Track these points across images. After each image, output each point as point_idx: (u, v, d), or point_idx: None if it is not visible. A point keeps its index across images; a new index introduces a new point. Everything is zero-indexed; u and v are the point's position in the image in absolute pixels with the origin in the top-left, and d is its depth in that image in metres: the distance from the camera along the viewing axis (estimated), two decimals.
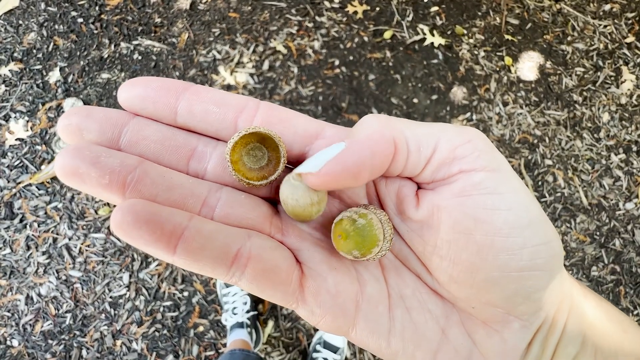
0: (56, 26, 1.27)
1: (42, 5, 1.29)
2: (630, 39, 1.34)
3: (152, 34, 1.28)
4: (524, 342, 0.16)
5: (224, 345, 1.02)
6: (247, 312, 0.97)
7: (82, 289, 1.05)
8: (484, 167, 0.15)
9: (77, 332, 1.03)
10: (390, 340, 0.16)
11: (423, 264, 0.18)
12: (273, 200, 0.18)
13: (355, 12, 1.31)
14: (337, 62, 1.26)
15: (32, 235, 1.08)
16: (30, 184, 1.12)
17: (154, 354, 1.01)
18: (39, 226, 1.09)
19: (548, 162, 1.21)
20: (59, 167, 0.14)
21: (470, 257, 0.15)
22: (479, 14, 1.35)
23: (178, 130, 0.17)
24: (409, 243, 0.17)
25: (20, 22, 1.27)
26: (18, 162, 1.14)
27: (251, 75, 1.24)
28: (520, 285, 0.15)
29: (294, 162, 0.18)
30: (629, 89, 1.28)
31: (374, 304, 0.16)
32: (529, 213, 0.15)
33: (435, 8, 1.34)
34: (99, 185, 0.14)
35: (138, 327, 1.03)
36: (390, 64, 1.27)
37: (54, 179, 1.13)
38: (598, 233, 1.16)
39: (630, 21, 1.37)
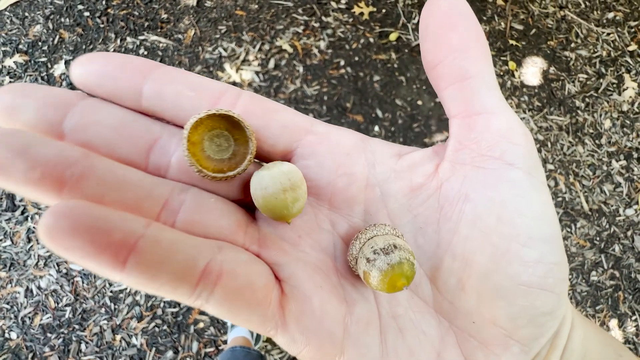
0: (62, 19, 1.27)
1: None
2: (633, 47, 1.36)
3: (159, 30, 1.28)
4: None
5: (224, 342, 1.02)
6: None
7: (83, 282, 1.05)
8: (523, 167, 0.14)
9: (77, 326, 1.02)
10: None
11: (426, 271, 0.16)
12: (250, 206, 0.16)
13: (362, 14, 1.32)
14: (342, 63, 1.27)
15: (34, 227, 1.08)
16: None
17: (154, 349, 1.01)
18: (40, 218, 1.09)
19: (550, 166, 1.21)
20: None
21: (483, 260, 0.14)
22: (484, 18, 1.36)
23: (140, 115, 0.14)
24: (419, 241, 0.16)
25: (27, 14, 1.27)
26: None
27: (257, 73, 1.24)
28: (528, 303, 0.14)
29: (277, 159, 0.16)
30: (630, 97, 1.30)
31: (363, 326, 0.14)
32: (552, 228, 0.14)
33: None
34: (26, 180, 0.11)
35: (138, 322, 1.03)
36: (396, 65, 1.28)
37: None
38: (598, 238, 1.16)
39: (633, 29, 1.38)
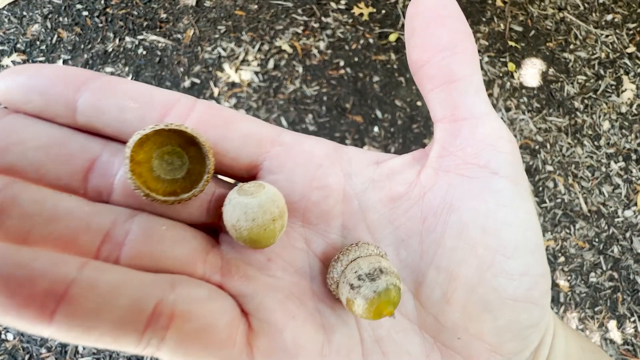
0: (60, 18, 1.27)
1: None
2: (631, 49, 1.36)
3: (158, 30, 1.27)
4: None
5: None
6: None
7: None
8: (509, 176, 0.14)
9: None
10: None
11: (409, 286, 0.15)
12: (212, 228, 0.14)
13: (361, 14, 1.32)
14: (342, 63, 1.27)
15: None
16: None
17: None
18: None
19: (549, 168, 1.22)
20: None
21: (469, 273, 0.13)
22: (484, 20, 1.36)
23: (76, 133, 0.12)
24: (401, 254, 0.15)
25: (25, 13, 1.27)
26: None
27: (256, 73, 1.24)
28: (514, 317, 0.13)
29: (243, 174, 0.14)
30: (629, 98, 1.30)
31: (344, 355, 0.13)
32: (537, 239, 0.14)
33: None
34: None
35: None
36: (395, 66, 1.28)
37: None
38: (597, 240, 1.17)
39: (631, 32, 1.39)
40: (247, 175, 0.14)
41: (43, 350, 0.99)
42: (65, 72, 0.12)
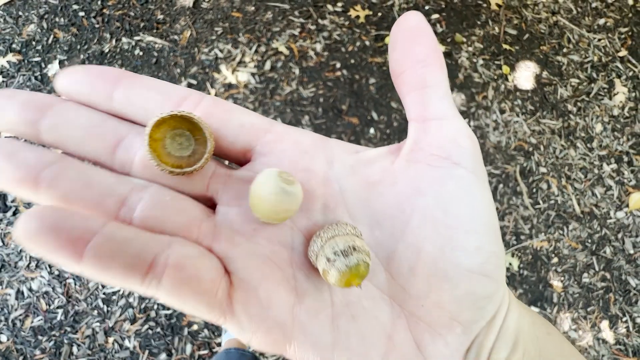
0: (57, 19, 1.26)
1: None
2: (623, 52, 1.38)
3: (154, 31, 1.27)
4: (464, 347, 0.16)
5: (218, 344, 1.02)
6: None
7: (75, 284, 1.04)
8: (468, 167, 0.16)
9: (68, 329, 1.01)
10: (335, 353, 0.15)
11: (381, 260, 0.17)
12: (210, 201, 0.17)
13: (358, 17, 1.33)
14: (338, 65, 1.28)
15: None
16: None
17: (147, 352, 1.00)
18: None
19: (542, 169, 1.23)
20: None
21: (432, 248, 0.16)
22: (478, 23, 1.38)
23: (110, 117, 0.16)
24: (375, 232, 0.17)
25: (20, 13, 1.26)
26: None
27: (253, 74, 1.25)
28: (470, 287, 0.15)
29: (239, 158, 0.17)
30: (621, 101, 1.32)
31: (313, 315, 0.15)
32: (491, 220, 0.16)
33: (436, 16, 1.37)
34: (12, 179, 0.13)
35: (131, 324, 1.02)
36: None
37: None
38: (590, 240, 1.18)
39: (623, 36, 1.41)
40: (243, 157, 0.17)
41: (37, 352, 0.99)
42: (107, 70, 0.16)
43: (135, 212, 0.14)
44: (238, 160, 0.17)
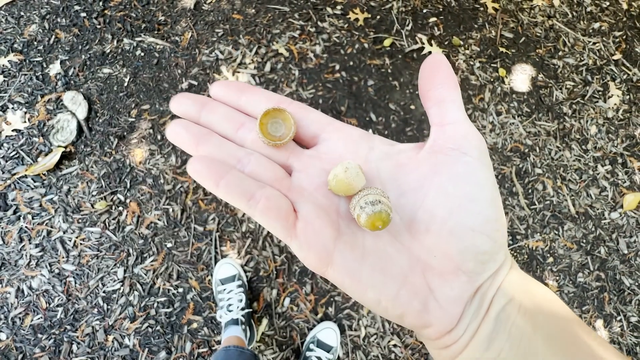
0: (58, 19, 1.27)
1: None
2: (618, 56, 1.41)
3: (156, 32, 1.29)
4: (468, 293, 0.20)
5: (218, 342, 1.02)
6: (242, 309, 0.98)
7: (75, 283, 1.04)
8: (474, 155, 0.21)
9: (68, 327, 1.01)
10: (362, 278, 0.20)
11: (405, 222, 0.22)
12: (289, 170, 0.25)
13: (357, 20, 1.35)
14: (337, 67, 1.29)
15: (26, 227, 1.07)
16: (25, 176, 1.11)
17: (146, 350, 1.01)
18: (33, 218, 1.08)
19: (538, 170, 1.25)
20: (171, 132, 0.23)
21: (443, 212, 0.21)
22: (475, 26, 1.39)
23: (237, 111, 0.25)
24: (401, 201, 0.23)
25: (22, 13, 1.27)
26: (14, 153, 1.13)
27: (253, 76, 1.26)
28: (471, 242, 0.20)
29: (309, 142, 0.25)
30: (615, 104, 1.34)
31: (349, 247, 0.21)
32: (492, 194, 0.21)
33: (433, 19, 1.39)
34: (185, 141, 0.23)
35: (131, 322, 1.02)
36: (389, 70, 1.31)
37: (51, 171, 1.12)
38: (584, 241, 1.20)
39: (617, 39, 1.43)
40: (311, 142, 0.25)
41: (37, 350, 0.99)
42: (240, 85, 0.25)
43: (246, 167, 0.23)
44: (308, 143, 0.25)
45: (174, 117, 1.20)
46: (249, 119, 0.24)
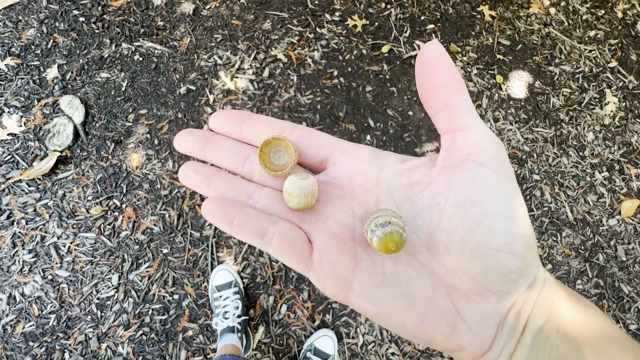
0: (57, 24, 1.27)
1: (44, 2, 1.29)
2: (613, 63, 1.42)
3: (154, 37, 1.29)
4: (500, 313, 0.19)
5: (213, 350, 1.01)
6: (239, 316, 0.96)
7: (69, 289, 1.03)
8: (492, 166, 0.19)
9: (61, 334, 1.00)
10: (384, 305, 0.19)
11: (423, 242, 0.21)
12: None
13: (355, 26, 1.35)
14: (335, 73, 1.29)
15: (19, 232, 1.06)
16: (20, 180, 1.10)
17: (140, 358, 0.99)
18: (26, 223, 1.06)
19: (536, 177, 1.25)
20: (182, 175, 0.23)
21: (463, 232, 0.19)
22: (473, 33, 1.41)
23: (241, 143, 0.24)
24: (417, 221, 0.21)
25: (20, 17, 1.27)
26: (9, 157, 1.12)
27: (251, 81, 1.26)
28: (496, 262, 0.18)
29: (318, 167, 0.24)
30: (612, 111, 1.35)
31: (368, 275, 0.20)
32: (513, 208, 0.19)
33: (431, 26, 1.40)
34: (197, 182, 0.23)
35: (125, 330, 1.00)
36: (387, 76, 1.31)
37: (46, 175, 1.11)
38: (583, 247, 1.19)
39: (613, 47, 1.45)
40: (320, 166, 0.24)
41: (28, 359, 0.97)
42: (238, 113, 0.24)
43: (258, 203, 0.22)
44: (317, 168, 0.24)
45: (170, 122, 1.19)
46: (254, 149, 0.24)
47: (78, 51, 1.25)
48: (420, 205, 0.21)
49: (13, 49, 1.23)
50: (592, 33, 1.46)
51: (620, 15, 1.50)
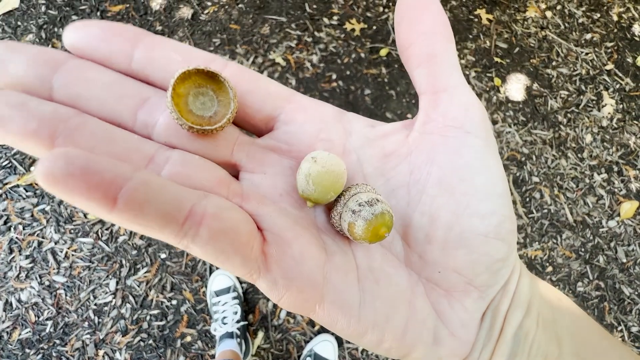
0: (55, 29, 1.28)
1: (43, 8, 1.29)
2: (610, 66, 1.43)
3: None
4: (481, 311, 0.16)
5: (212, 356, 1.00)
6: (238, 322, 0.95)
7: (66, 295, 1.02)
8: (480, 135, 0.16)
9: (57, 341, 0.98)
10: (361, 315, 0.15)
11: (397, 229, 0.17)
12: (234, 168, 0.16)
13: (353, 30, 1.36)
14: (334, 76, 1.30)
15: (16, 238, 1.05)
16: (17, 185, 1.09)
17: None
18: (23, 229, 1.06)
19: (535, 179, 1.25)
20: None
21: (447, 215, 0.16)
22: (470, 37, 1.41)
23: (130, 78, 0.15)
24: (391, 201, 0.17)
25: (19, 23, 1.27)
26: (6, 162, 1.11)
27: None
28: (485, 250, 0.15)
29: (260, 126, 0.17)
30: (609, 113, 1.36)
31: (342, 274, 0.15)
32: (503, 184, 0.16)
33: None
34: (23, 131, 0.12)
35: (123, 336, 0.99)
36: (386, 80, 1.31)
37: None
38: (583, 249, 1.19)
39: (609, 50, 1.46)
40: (264, 127, 0.17)
41: None
42: (126, 27, 0.15)
43: (164, 170, 0.13)
44: (259, 129, 0.17)
45: None
46: (157, 91, 0.15)
47: None
48: (395, 182, 0.17)
49: None
50: (588, 36, 1.47)
51: (615, 18, 1.52)
